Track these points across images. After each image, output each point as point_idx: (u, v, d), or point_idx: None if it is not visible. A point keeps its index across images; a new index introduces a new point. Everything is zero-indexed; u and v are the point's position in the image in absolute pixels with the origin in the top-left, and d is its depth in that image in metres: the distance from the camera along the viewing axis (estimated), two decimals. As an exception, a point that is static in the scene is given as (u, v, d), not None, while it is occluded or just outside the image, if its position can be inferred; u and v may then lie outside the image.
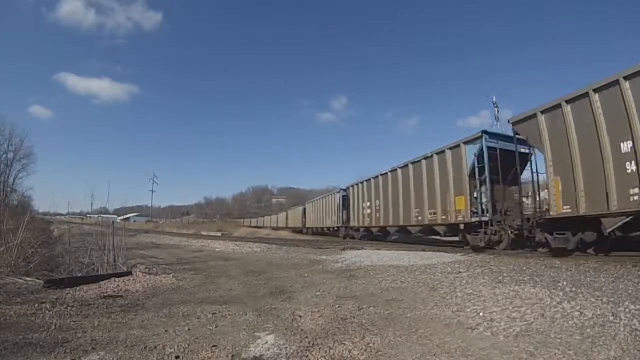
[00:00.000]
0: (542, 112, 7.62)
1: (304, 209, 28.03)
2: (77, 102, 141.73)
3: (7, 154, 29.79)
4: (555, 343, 2.72)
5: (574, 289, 4.16)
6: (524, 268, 5.85)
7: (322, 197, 24.22)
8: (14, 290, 4.97)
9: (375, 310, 4.03)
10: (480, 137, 9.57)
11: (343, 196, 20.10)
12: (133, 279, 6.27)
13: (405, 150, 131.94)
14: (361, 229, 17.39)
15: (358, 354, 2.73)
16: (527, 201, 9.06)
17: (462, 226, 10.14)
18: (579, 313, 3.32)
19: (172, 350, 2.84)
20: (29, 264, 6.51)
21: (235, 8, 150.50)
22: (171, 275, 6.99)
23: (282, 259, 10.32)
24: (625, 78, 5.99)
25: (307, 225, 26.97)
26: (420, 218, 11.94)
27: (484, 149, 9.49)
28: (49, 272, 6.48)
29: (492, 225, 9.21)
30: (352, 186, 18.42)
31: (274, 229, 36.73)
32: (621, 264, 5.47)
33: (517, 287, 4.52)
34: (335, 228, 21.08)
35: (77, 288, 5.37)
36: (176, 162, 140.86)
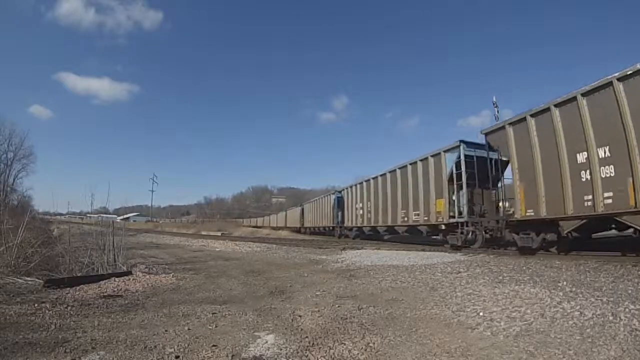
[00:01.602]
0: (510, 124, 7.99)
1: (302, 209, 28.80)
2: (77, 102, 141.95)
3: (7, 154, 29.90)
4: (555, 343, 2.72)
5: (574, 289, 4.16)
6: (524, 268, 5.85)
7: (318, 199, 24.31)
8: (14, 290, 4.97)
9: (375, 310, 4.03)
10: (459, 146, 10.18)
11: (338, 198, 19.93)
12: (133, 279, 6.26)
13: (405, 150, 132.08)
14: (354, 229, 17.67)
15: (358, 353, 2.72)
16: (502, 204, 9.28)
17: (442, 227, 10.59)
18: (579, 313, 3.32)
19: (172, 350, 2.84)
20: (29, 264, 6.51)
21: (235, 8, 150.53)
22: (171, 275, 6.98)
23: (282, 259, 10.32)
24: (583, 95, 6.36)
25: (305, 225, 27.53)
26: (406, 219, 12.55)
27: (462, 157, 10.04)
28: (49, 271, 6.46)
29: (467, 225, 9.64)
30: (347, 189, 18.45)
31: (274, 228, 36.80)
32: (621, 264, 5.46)
33: (517, 287, 4.52)
34: (331, 228, 21.01)
35: (77, 288, 5.37)
36: (176, 162, 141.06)
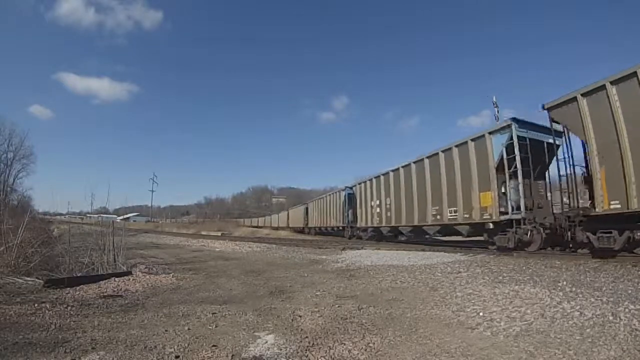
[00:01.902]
0: (583, 95, 6.44)
1: (307, 208, 27.52)
2: (77, 102, 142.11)
3: (7, 154, 29.84)
4: (555, 343, 2.72)
5: (574, 289, 4.16)
6: (524, 268, 5.84)
7: (325, 196, 22.57)
8: (14, 290, 4.97)
9: (375, 310, 4.03)
10: (510, 125, 8.34)
11: (348, 194, 18.13)
12: (133, 279, 6.27)
13: (405, 150, 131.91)
14: (369, 229, 15.75)
15: (358, 353, 2.72)
16: (558, 196, 7.96)
17: (490, 225, 8.83)
18: (579, 313, 3.32)
19: (172, 350, 2.84)
20: (29, 264, 6.51)
21: (235, 8, 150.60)
22: (171, 275, 6.99)
23: (282, 259, 10.33)
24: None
25: (309, 225, 26.24)
26: (439, 217, 10.59)
27: (515, 138, 8.22)
28: (49, 271, 6.47)
29: (524, 224, 7.95)
30: (359, 184, 16.52)
31: (275, 229, 36.77)
32: (621, 264, 5.46)
33: (517, 287, 4.52)
34: (340, 228, 19.34)
35: (77, 288, 5.38)
36: (176, 162, 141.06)
